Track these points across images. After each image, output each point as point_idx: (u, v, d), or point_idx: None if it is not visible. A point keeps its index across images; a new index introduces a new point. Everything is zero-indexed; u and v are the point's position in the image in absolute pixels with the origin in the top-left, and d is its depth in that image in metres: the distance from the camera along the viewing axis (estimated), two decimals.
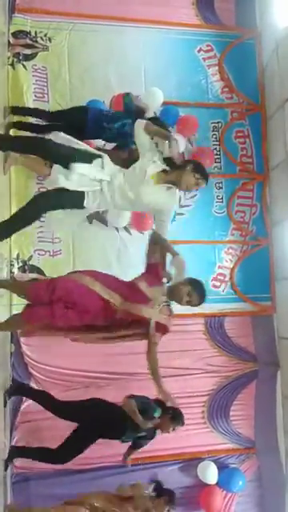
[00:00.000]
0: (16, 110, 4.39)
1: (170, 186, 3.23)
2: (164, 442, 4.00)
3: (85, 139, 4.40)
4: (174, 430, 3.88)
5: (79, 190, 3.20)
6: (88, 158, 3.26)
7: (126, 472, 4.41)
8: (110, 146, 4.43)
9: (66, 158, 3.22)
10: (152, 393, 4.14)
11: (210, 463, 4.66)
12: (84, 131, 4.13)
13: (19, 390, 4.22)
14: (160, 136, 3.28)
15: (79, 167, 3.17)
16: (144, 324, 3.01)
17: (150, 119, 4.19)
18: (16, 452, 4.08)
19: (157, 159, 3.21)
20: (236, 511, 4.75)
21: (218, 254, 5.19)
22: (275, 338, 5.09)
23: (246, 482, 4.72)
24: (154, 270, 3.17)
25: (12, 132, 4.25)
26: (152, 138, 3.24)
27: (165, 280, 3.16)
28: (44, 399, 3.98)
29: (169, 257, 3.20)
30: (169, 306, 3.11)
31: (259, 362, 5.03)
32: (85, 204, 3.23)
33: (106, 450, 4.22)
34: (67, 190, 3.20)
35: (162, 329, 3.07)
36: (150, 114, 4.39)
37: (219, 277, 5.14)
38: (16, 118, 4.34)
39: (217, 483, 4.65)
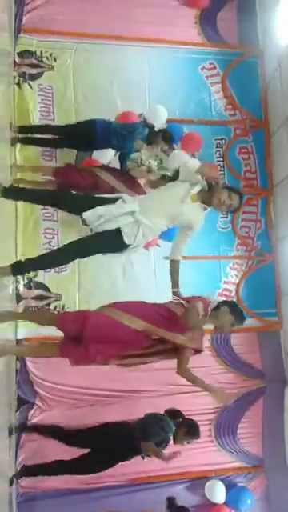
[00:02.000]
0: (23, 130, 4.46)
1: (205, 206, 3.41)
2: (171, 461, 3.93)
3: (95, 149, 4.52)
4: (188, 443, 3.83)
5: (113, 227, 3.24)
6: (107, 202, 3.35)
7: (133, 491, 4.37)
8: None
9: (80, 207, 3.32)
10: (158, 409, 4.16)
11: (218, 482, 4.60)
12: (93, 145, 4.27)
13: (27, 428, 4.23)
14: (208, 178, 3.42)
15: (89, 214, 3.25)
16: (176, 345, 3.12)
17: (159, 131, 4.35)
18: (26, 471, 4.05)
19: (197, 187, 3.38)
20: None
21: (224, 270, 5.18)
22: (282, 354, 5.05)
23: (254, 500, 4.65)
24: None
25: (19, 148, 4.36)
26: (202, 177, 3.38)
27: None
28: (55, 433, 3.98)
29: None
30: (202, 329, 3.21)
31: (266, 378, 4.99)
32: (126, 241, 3.26)
33: (110, 470, 4.15)
34: (102, 233, 3.26)
35: (196, 351, 3.20)
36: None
37: (225, 292, 5.13)
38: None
39: (225, 502, 4.59)
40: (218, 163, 5.25)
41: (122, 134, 4.22)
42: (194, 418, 4.52)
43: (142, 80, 5.14)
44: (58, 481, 4.04)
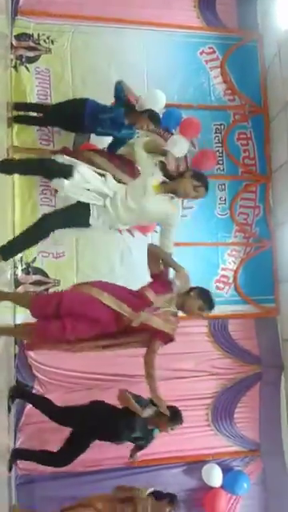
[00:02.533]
0: (18, 106, 4.49)
1: (171, 195, 3.32)
2: (168, 445, 3.99)
3: (81, 132, 4.52)
4: (172, 429, 3.83)
5: (84, 201, 3.27)
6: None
7: (130, 474, 4.41)
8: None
9: (67, 172, 3.31)
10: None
11: (215, 466, 4.64)
12: (81, 125, 4.25)
13: (21, 393, 4.24)
14: (158, 152, 3.43)
15: (82, 169, 3.27)
16: (148, 331, 3.05)
17: (144, 111, 4.29)
18: (18, 454, 4.11)
19: (156, 172, 3.33)
20: None
21: (222, 256, 5.18)
22: (279, 340, 5.07)
23: (250, 484, 4.70)
24: (160, 279, 3.21)
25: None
26: (151, 155, 3.37)
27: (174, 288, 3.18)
28: (43, 405, 4.00)
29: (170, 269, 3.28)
30: (176, 314, 3.15)
31: (263, 364, 5.02)
32: (90, 221, 3.30)
33: (109, 453, 4.22)
34: (73, 206, 3.31)
35: (167, 338, 3.11)
36: (144, 106, 4.40)
37: (222, 279, 5.14)
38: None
39: (221, 486, 4.63)
40: (217, 149, 5.23)
41: (105, 120, 4.20)
42: (192, 402, 4.61)
43: (140, 63, 5.10)
44: None
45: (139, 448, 4.01)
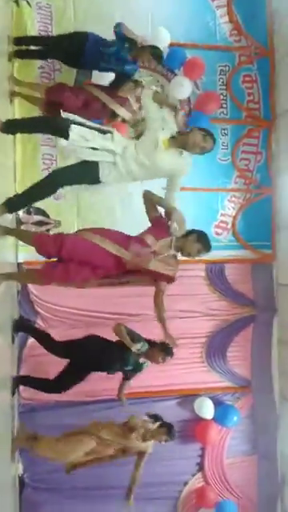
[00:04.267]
0: (18, 41, 4.38)
1: (180, 150, 3.33)
2: (163, 379, 4.21)
3: (83, 68, 4.43)
4: (163, 360, 4.00)
5: (92, 159, 3.27)
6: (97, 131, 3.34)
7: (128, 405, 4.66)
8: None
9: (62, 133, 3.27)
10: (149, 334, 4.36)
11: (207, 399, 4.90)
12: (82, 59, 4.17)
13: (24, 326, 4.43)
14: (167, 105, 3.40)
15: (77, 128, 3.24)
16: (151, 274, 3.20)
17: (147, 47, 4.23)
18: (19, 380, 4.33)
19: (166, 127, 3.32)
20: (230, 445, 5.05)
21: (221, 202, 5.22)
22: (274, 285, 5.21)
23: (240, 418, 4.98)
24: (159, 224, 3.30)
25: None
26: (160, 107, 3.33)
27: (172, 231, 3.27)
28: (44, 340, 4.19)
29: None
30: (175, 257, 3.26)
31: (257, 307, 5.18)
32: (100, 176, 3.30)
33: (107, 384, 4.43)
34: (81, 163, 3.31)
35: (169, 279, 3.25)
36: (146, 42, 4.35)
37: (221, 224, 5.21)
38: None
39: (213, 418, 4.90)
40: (221, 92, 5.15)
41: (108, 53, 4.10)
42: (188, 340, 4.80)
43: (144, 1, 4.92)
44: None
45: (126, 378, 4.19)
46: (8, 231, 3.51)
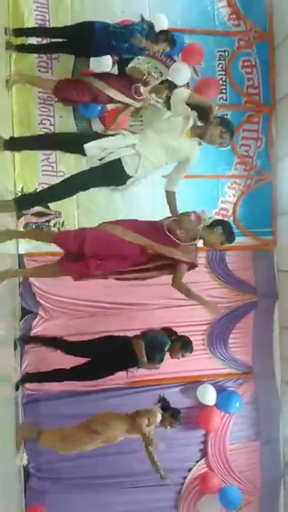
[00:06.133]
0: (18, 32, 4.30)
1: (199, 140, 3.46)
2: (166, 367, 4.21)
3: (93, 56, 4.39)
4: (183, 356, 4.10)
5: (114, 158, 3.31)
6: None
7: (131, 393, 4.72)
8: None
9: (80, 151, 3.38)
10: (155, 323, 4.38)
11: (209, 386, 4.93)
12: (91, 48, 4.13)
13: (31, 339, 4.44)
14: (204, 104, 3.42)
15: (91, 145, 3.32)
16: (172, 260, 3.33)
17: (163, 31, 4.23)
18: (29, 378, 4.33)
19: (192, 116, 3.41)
20: (233, 431, 5.08)
21: (222, 189, 5.20)
22: (275, 272, 5.21)
23: (242, 404, 5.02)
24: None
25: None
26: (192, 109, 3.40)
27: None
28: (57, 344, 4.16)
29: None
30: (196, 246, 3.41)
31: (258, 293, 5.19)
32: (128, 172, 3.34)
33: None
34: (105, 164, 3.36)
35: (191, 265, 3.42)
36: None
37: (222, 211, 5.19)
38: (18, 41, 4.27)
39: (215, 404, 4.94)
40: (220, 77, 5.09)
41: (120, 32, 4.03)
42: (189, 328, 4.81)
43: None
44: (60, 383, 4.30)
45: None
46: (23, 234, 3.55)
